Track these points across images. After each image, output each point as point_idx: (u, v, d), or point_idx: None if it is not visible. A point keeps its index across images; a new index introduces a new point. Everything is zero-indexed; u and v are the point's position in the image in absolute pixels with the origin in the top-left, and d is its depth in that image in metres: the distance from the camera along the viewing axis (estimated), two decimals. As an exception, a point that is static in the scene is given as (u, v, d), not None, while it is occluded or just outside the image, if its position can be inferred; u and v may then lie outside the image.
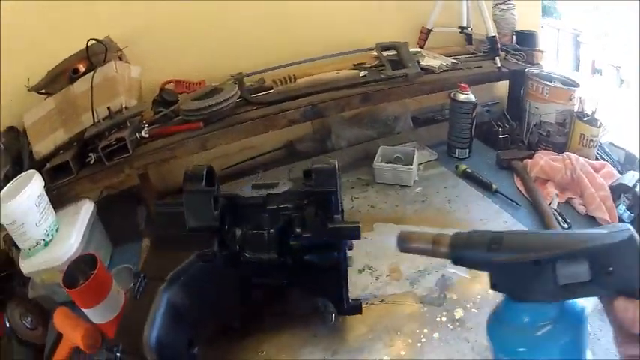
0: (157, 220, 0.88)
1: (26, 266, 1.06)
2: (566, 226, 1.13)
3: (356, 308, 0.86)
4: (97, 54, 1.29)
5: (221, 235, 0.82)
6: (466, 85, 1.37)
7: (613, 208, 1.15)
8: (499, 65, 1.51)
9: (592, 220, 1.16)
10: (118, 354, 0.65)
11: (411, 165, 1.33)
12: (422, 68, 1.43)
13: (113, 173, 1.22)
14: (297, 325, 0.93)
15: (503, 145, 1.48)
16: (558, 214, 1.17)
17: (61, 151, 1.24)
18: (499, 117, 1.59)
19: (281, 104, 1.30)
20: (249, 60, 1.46)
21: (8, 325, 1.08)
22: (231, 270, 0.84)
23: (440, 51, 1.58)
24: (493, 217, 1.19)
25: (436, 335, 0.88)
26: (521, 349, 0.51)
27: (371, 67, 1.45)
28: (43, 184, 1.09)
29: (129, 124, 1.24)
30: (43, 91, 1.29)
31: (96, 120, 1.21)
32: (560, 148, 1.39)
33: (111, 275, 0.97)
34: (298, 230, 0.82)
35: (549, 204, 1.21)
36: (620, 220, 1.14)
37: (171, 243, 0.84)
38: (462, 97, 1.37)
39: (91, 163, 1.21)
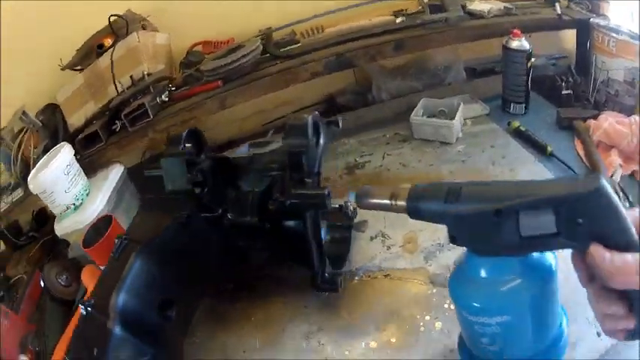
0: (147, 184, 0.90)
1: (59, 229, 1.14)
2: (627, 205, 0.93)
3: (332, 284, 0.78)
4: (121, 27, 1.34)
5: (201, 198, 0.79)
6: (519, 32, 1.15)
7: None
8: (559, 12, 1.27)
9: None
10: (89, 308, 0.67)
11: (454, 119, 1.17)
12: (469, 13, 1.25)
13: (138, 138, 1.27)
14: (290, 295, 0.87)
15: (566, 102, 1.26)
16: (620, 189, 0.96)
17: (93, 122, 1.32)
18: (565, 71, 1.35)
19: (303, 56, 1.22)
20: (279, 14, 1.38)
21: (43, 284, 1.15)
22: (215, 232, 0.81)
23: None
24: None
25: (438, 325, 0.75)
26: (483, 306, 0.48)
27: (410, 13, 1.29)
28: (73, 154, 1.17)
29: (152, 90, 1.27)
30: (78, 67, 1.37)
31: (120, 90, 1.27)
32: (629, 111, 1.15)
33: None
34: (277, 194, 0.76)
35: (611, 175, 1.00)
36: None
37: (159, 206, 0.85)
38: (514, 44, 1.16)
39: (117, 130, 1.28)
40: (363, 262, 0.90)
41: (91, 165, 1.25)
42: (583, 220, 0.40)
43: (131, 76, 1.26)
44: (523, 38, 1.16)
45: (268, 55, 1.29)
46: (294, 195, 0.70)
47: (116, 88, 1.27)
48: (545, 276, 0.48)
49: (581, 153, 1.08)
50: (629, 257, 0.40)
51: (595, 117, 1.13)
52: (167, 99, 1.27)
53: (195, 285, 0.83)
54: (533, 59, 1.18)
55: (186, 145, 0.80)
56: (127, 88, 1.26)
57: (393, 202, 0.51)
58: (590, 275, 0.43)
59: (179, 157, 0.78)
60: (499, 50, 1.21)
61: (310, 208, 0.71)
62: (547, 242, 0.43)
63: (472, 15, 1.26)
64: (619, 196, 0.94)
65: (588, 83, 1.26)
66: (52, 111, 1.38)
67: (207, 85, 1.26)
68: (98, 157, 1.27)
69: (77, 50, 1.35)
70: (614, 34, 1.15)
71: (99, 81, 1.31)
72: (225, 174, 0.82)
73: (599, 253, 0.41)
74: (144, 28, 1.35)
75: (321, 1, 1.37)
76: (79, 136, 1.27)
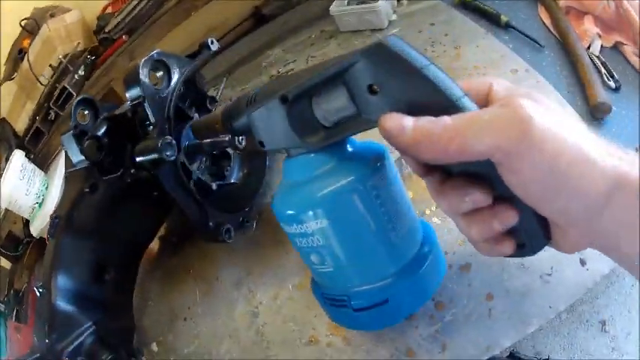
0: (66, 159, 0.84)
1: (33, 230, 1.19)
2: (613, 85, 0.72)
3: (217, 235, 0.70)
4: (34, 27, 1.38)
5: (101, 164, 0.73)
6: None
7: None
8: None
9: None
10: (41, 290, 0.72)
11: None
12: None
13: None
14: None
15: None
16: (601, 63, 0.75)
17: (36, 119, 1.37)
18: None
19: None
20: None
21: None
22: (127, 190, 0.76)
23: None
24: (497, 63, 0.79)
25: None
26: (293, 210, 0.41)
27: None
28: (24, 156, 1.20)
29: (71, 69, 1.29)
30: (13, 77, 1.43)
31: (45, 82, 1.34)
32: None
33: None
34: None
35: (587, 47, 0.78)
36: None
37: (70, 180, 0.80)
38: None
39: (51, 119, 1.32)
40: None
41: (44, 159, 1.31)
42: (378, 85, 0.34)
43: (50, 65, 1.31)
44: None
45: None
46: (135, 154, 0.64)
47: (39, 81, 1.33)
48: (370, 165, 0.40)
49: (547, 22, 0.86)
50: (442, 120, 0.31)
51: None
52: (84, 72, 1.28)
53: (128, 246, 0.82)
54: None
55: (84, 113, 0.74)
56: (51, 77, 1.31)
57: (218, 127, 0.48)
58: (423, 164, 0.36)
59: (66, 133, 0.73)
60: None
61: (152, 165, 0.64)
62: (350, 125, 0.37)
63: None
64: (598, 70, 0.74)
65: None
66: (2, 125, 1.46)
67: (115, 43, 1.20)
68: (48, 150, 1.32)
69: (5, 63, 1.43)
70: None
71: (28, 81, 1.37)
72: (124, 131, 0.74)
73: (394, 121, 0.33)
74: (52, 16, 1.36)
75: None
76: (27, 137, 1.35)
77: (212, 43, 0.72)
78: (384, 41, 0.33)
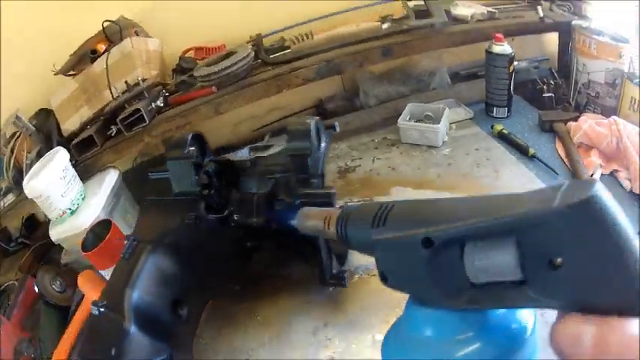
0: (151, 186, 0.90)
1: (54, 234, 1.14)
2: None
3: (340, 280, 0.81)
4: (114, 33, 1.35)
5: (207, 199, 0.81)
6: (501, 36, 1.21)
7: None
8: (542, 15, 1.32)
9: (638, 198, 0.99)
10: (102, 309, 0.67)
11: (439, 123, 1.21)
12: (453, 18, 1.29)
13: (133, 142, 1.28)
14: (295, 291, 0.90)
15: (547, 105, 1.31)
16: None
17: (88, 127, 1.32)
18: (546, 74, 1.40)
19: (293, 63, 1.25)
20: (269, 20, 1.41)
21: (37, 290, 1.14)
22: (221, 233, 0.83)
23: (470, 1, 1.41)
24: (524, 185, 1.04)
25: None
26: None
27: (395, 19, 1.32)
28: (69, 158, 1.17)
29: (147, 95, 1.28)
30: (71, 72, 1.37)
31: (115, 95, 1.28)
32: (610, 112, 1.20)
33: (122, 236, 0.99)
34: (283, 195, 0.79)
35: (591, 174, 1.05)
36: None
37: (163, 208, 0.85)
38: (497, 49, 1.21)
39: (112, 134, 1.29)
40: (361, 262, 0.92)
41: (85, 170, 1.26)
42: (564, 257, 0.24)
43: (126, 82, 1.27)
44: (505, 42, 1.21)
45: (260, 61, 1.32)
46: (302, 195, 0.74)
47: (111, 93, 1.27)
48: (514, 343, 0.31)
49: (563, 154, 1.13)
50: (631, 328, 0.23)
51: (575, 119, 1.18)
52: (162, 104, 1.30)
53: (203, 285, 0.85)
54: (515, 63, 1.22)
55: (190, 148, 0.82)
56: (122, 93, 1.27)
57: (326, 228, 0.43)
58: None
59: (186, 160, 0.80)
60: (482, 54, 1.26)
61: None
62: (507, 295, 0.27)
63: (456, 20, 1.30)
64: None
65: (569, 85, 1.31)
66: (45, 116, 1.39)
67: (201, 90, 1.28)
68: (94, 162, 1.28)
69: (70, 55, 1.35)
70: (596, 36, 1.20)
71: (93, 86, 1.31)
72: (228, 176, 0.85)
73: (569, 326, 0.24)
74: (136, 34, 1.37)
75: (311, 2, 1.40)
76: (74, 141, 1.28)
77: (336, 126, 0.86)
78: (599, 199, 0.23)
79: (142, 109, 1.22)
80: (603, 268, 0.23)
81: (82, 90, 1.32)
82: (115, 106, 1.26)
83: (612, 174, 1.06)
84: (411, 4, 1.30)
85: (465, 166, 1.15)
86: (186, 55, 1.42)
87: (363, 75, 1.48)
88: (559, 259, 0.24)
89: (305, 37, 1.30)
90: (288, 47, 1.34)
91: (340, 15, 1.36)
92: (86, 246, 0.98)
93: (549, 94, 1.31)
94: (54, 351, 0.95)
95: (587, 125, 1.12)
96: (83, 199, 1.18)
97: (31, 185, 1.08)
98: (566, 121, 1.19)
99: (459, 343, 0.31)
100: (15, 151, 1.30)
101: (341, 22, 1.37)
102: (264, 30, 1.40)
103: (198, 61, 1.39)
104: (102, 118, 1.30)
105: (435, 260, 0.30)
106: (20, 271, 1.23)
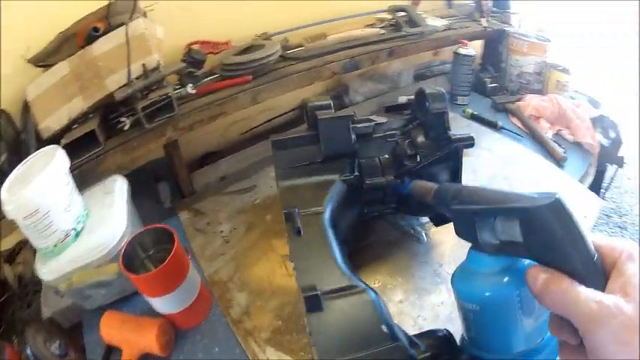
0: (277, 157, 0.90)
1: (50, 271, 0.82)
2: (563, 151, 1.42)
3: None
4: (116, 14, 1.12)
5: (354, 162, 0.88)
6: (466, 42, 1.61)
7: (595, 135, 1.47)
8: (485, 25, 1.77)
9: (579, 146, 1.47)
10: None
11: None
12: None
13: (152, 138, 1.11)
14: (395, 251, 1.04)
15: (492, 93, 1.75)
16: (554, 141, 1.47)
17: (75, 126, 1.06)
18: (481, 70, 1.85)
19: (325, 57, 1.41)
20: (269, 21, 1.51)
21: (33, 358, 0.91)
22: (354, 197, 0.89)
23: (431, 14, 1.80)
24: (504, 146, 1.43)
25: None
26: (459, 288, 0.54)
27: (384, 26, 1.62)
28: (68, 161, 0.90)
29: (165, 84, 1.12)
30: (43, 63, 1.08)
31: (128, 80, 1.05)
32: (539, 93, 1.69)
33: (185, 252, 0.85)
34: (409, 152, 0.92)
35: (545, 133, 1.51)
36: (601, 145, 1.48)
37: (295, 178, 0.86)
38: (463, 51, 1.61)
39: (125, 128, 1.06)
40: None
41: (81, 177, 0.98)
42: (539, 232, 0.42)
43: (144, 65, 1.05)
44: (468, 46, 1.61)
45: (280, 56, 1.41)
46: (453, 139, 0.91)
47: (129, 75, 1.04)
48: (523, 278, 0.46)
49: (519, 124, 1.57)
50: (564, 283, 0.39)
51: (521, 99, 1.64)
52: (194, 91, 1.17)
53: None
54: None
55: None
56: (136, 79, 1.05)
57: (428, 197, 0.65)
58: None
59: (343, 120, 0.85)
60: (426, 58, 1.60)
61: (449, 158, 0.92)
62: (515, 249, 0.46)
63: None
64: (555, 144, 1.44)
65: (503, 77, 1.78)
66: (6, 118, 1.07)
67: (238, 79, 1.28)
68: (94, 166, 1.02)
69: (59, 33, 1.07)
70: (526, 38, 1.67)
71: (90, 71, 1.04)
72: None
73: (531, 274, 0.42)
74: (145, 17, 1.17)
75: (310, 5, 1.54)
76: (63, 141, 1.00)
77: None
78: (557, 202, 0.40)
79: (171, 95, 1.05)
80: (561, 239, 0.41)
81: (75, 76, 1.04)
82: (129, 93, 1.03)
83: (557, 133, 1.53)
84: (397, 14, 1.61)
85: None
86: (193, 47, 1.34)
87: (349, 76, 1.70)
88: (536, 233, 0.42)
89: (319, 38, 1.48)
90: (298, 46, 1.47)
91: (336, 21, 1.58)
92: (128, 269, 0.76)
93: (494, 85, 1.75)
94: None
95: (535, 102, 1.58)
96: (87, 215, 0.91)
97: (24, 196, 0.75)
98: (514, 102, 1.64)
99: (486, 273, 0.51)
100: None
101: (336, 27, 1.56)
102: (264, 29, 1.47)
103: (207, 53, 1.36)
104: (93, 113, 1.07)
105: (480, 224, 0.50)
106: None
